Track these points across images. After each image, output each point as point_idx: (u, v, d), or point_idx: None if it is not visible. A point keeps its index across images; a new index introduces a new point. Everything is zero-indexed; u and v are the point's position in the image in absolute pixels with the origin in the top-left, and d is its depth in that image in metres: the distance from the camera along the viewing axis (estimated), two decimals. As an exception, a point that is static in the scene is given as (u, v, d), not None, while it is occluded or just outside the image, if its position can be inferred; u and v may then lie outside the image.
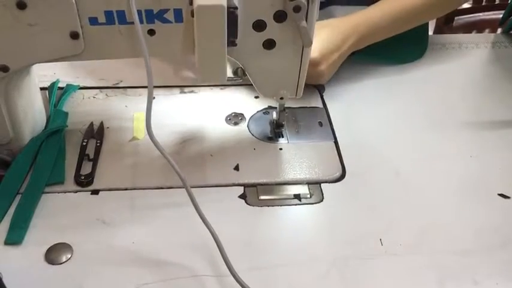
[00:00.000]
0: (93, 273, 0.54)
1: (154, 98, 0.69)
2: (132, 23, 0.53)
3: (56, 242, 0.56)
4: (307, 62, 0.61)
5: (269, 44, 0.59)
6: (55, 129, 0.67)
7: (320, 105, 0.77)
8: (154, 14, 0.55)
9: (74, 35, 0.55)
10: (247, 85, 0.77)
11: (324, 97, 0.79)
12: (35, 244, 0.56)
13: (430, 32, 1.07)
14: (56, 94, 0.74)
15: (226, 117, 0.74)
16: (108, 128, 0.71)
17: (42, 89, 0.72)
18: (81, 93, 0.77)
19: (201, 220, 0.54)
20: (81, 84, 0.78)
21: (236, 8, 0.54)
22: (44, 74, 0.76)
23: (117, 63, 0.80)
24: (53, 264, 0.54)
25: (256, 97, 0.78)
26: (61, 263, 0.54)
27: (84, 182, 0.62)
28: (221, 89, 0.79)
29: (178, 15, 0.55)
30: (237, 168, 0.66)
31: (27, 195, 0.60)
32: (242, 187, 0.64)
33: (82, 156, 0.65)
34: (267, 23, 0.57)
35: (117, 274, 0.54)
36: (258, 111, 0.75)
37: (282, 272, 0.55)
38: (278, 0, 0.55)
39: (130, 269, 0.54)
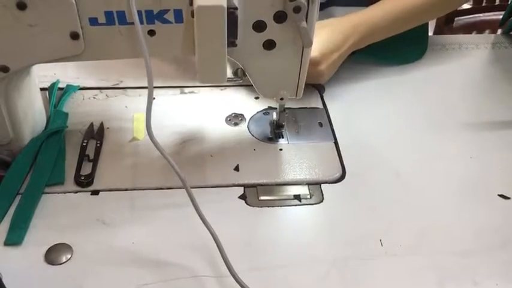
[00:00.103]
0: (93, 274, 0.54)
1: (154, 98, 0.69)
2: (132, 23, 0.53)
3: (55, 243, 0.56)
4: (307, 62, 0.61)
5: (269, 45, 0.59)
6: (55, 129, 0.67)
7: (320, 105, 0.77)
8: (155, 15, 0.55)
9: (74, 36, 0.55)
10: (247, 86, 0.77)
11: (324, 98, 0.79)
12: (34, 244, 0.56)
13: (430, 33, 1.07)
14: (56, 94, 0.74)
15: (226, 117, 0.74)
16: (108, 128, 0.71)
17: (42, 89, 0.72)
18: (81, 94, 0.77)
19: (201, 221, 0.54)
20: (81, 85, 0.78)
21: (236, 8, 0.54)
22: (44, 74, 0.76)
23: (117, 64, 0.80)
24: (52, 264, 0.54)
25: (256, 98, 0.78)
26: (61, 264, 0.54)
27: (84, 182, 0.62)
28: (221, 89, 0.79)
29: (178, 15, 0.55)
30: (237, 168, 0.66)
31: (27, 196, 0.60)
32: (242, 188, 0.64)
33: (82, 156, 0.65)
34: (267, 23, 0.57)
35: (117, 274, 0.54)
36: (258, 112, 0.75)
37: (282, 272, 0.55)
38: (278, 0, 0.55)
39: (130, 270, 0.54)
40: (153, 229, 0.58)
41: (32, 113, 0.66)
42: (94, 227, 0.58)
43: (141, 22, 0.54)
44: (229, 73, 0.68)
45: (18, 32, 0.54)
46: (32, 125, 0.66)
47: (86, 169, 0.64)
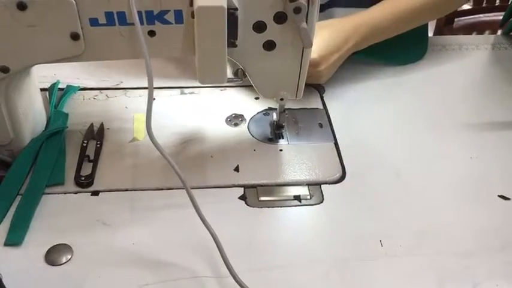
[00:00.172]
0: (93, 274, 0.54)
1: (154, 99, 0.69)
2: (133, 24, 0.53)
3: (56, 243, 0.56)
4: (307, 63, 0.61)
5: (269, 45, 0.59)
6: (55, 130, 0.67)
7: (320, 106, 0.77)
8: (155, 15, 0.55)
9: (75, 36, 0.55)
10: (248, 86, 0.77)
11: (324, 98, 0.79)
12: (35, 245, 0.56)
13: (430, 33, 1.07)
14: (56, 95, 0.74)
15: (227, 118, 0.74)
16: (108, 129, 0.71)
17: (42, 90, 0.72)
18: (81, 94, 0.77)
19: (201, 221, 0.54)
20: (82, 85, 0.78)
21: (236, 9, 0.54)
22: (44, 75, 0.76)
23: (118, 64, 0.80)
24: (53, 265, 0.54)
25: (257, 98, 0.78)
26: (61, 264, 0.54)
27: (84, 183, 0.62)
28: (221, 90, 0.79)
29: (178, 16, 0.55)
30: (237, 169, 0.66)
31: (28, 196, 0.60)
32: (242, 188, 0.64)
33: (82, 157, 0.66)
34: (267, 24, 0.57)
35: (117, 275, 0.54)
36: (258, 113, 0.75)
37: (282, 273, 0.55)
38: (278, 1, 0.55)
39: (130, 270, 0.54)
40: (153, 230, 0.58)
41: (32, 113, 0.66)
42: (94, 228, 0.58)
43: (142, 23, 0.54)
44: (229, 74, 0.67)
45: (18, 33, 0.54)
46: (32, 125, 0.66)
47: (86, 170, 0.64)
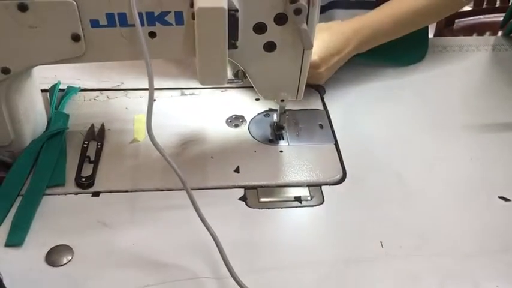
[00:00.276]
0: (93, 275, 0.54)
1: (155, 100, 0.69)
2: (133, 25, 0.53)
3: (56, 244, 0.56)
4: (307, 64, 0.61)
5: (270, 47, 0.59)
6: (56, 131, 0.67)
7: (320, 107, 0.77)
8: (155, 17, 0.55)
9: (75, 37, 0.55)
10: (248, 87, 0.77)
11: (325, 99, 0.79)
12: (35, 246, 0.56)
13: (431, 35, 1.07)
14: (57, 96, 0.74)
15: (227, 119, 0.74)
16: (109, 130, 0.71)
17: (43, 91, 0.72)
18: (82, 95, 0.77)
19: (201, 222, 0.54)
20: (82, 86, 0.78)
21: (237, 10, 0.54)
22: (45, 76, 0.76)
23: (118, 65, 0.81)
24: (53, 266, 0.54)
25: (257, 99, 0.78)
26: (61, 265, 0.54)
27: (84, 184, 0.63)
28: (222, 91, 0.79)
29: (179, 17, 0.55)
30: (237, 170, 0.66)
31: (28, 197, 0.60)
32: (243, 189, 0.64)
33: (83, 158, 0.66)
34: (267, 25, 0.57)
35: (118, 276, 0.54)
36: (258, 114, 0.75)
37: (282, 274, 0.55)
38: (279, 2, 0.55)
39: (130, 271, 0.54)
40: (153, 230, 0.58)
41: (33, 114, 0.66)
42: (95, 229, 0.58)
43: (142, 24, 0.54)
44: (229, 75, 0.67)
45: (19, 34, 0.54)
46: (32, 126, 0.66)
47: (87, 170, 0.64)
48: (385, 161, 0.69)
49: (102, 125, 0.71)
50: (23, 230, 0.57)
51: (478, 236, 0.60)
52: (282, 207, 0.62)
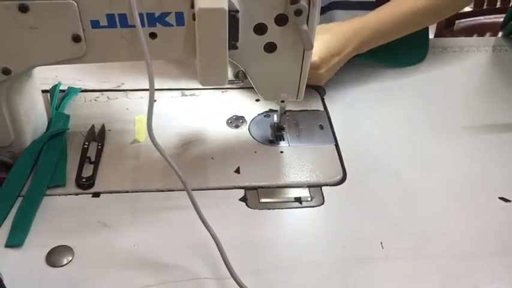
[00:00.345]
0: (94, 276, 0.54)
1: (155, 100, 0.70)
2: (134, 26, 0.53)
3: (56, 245, 0.56)
4: (308, 65, 0.62)
5: (270, 47, 0.59)
6: (56, 131, 0.67)
7: (321, 108, 0.78)
8: (156, 17, 0.55)
9: (76, 38, 0.55)
10: (248, 88, 0.77)
11: (325, 100, 0.79)
12: (36, 246, 0.56)
13: (431, 36, 1.07)
14: (57, 97, 0.74)
15: (227, 120, 0.74)
16: (109, 130, 0.71)
17: (44, 91, 0.72)
18: (82, 96, 0.77)
19: (201, 223, 0.54)
20: (83, 87, 0.78)
21: (237, 11, 0.54)
22: (45, 76, 0.76)
23: (119, 66, 0.81)
24: (53, 266, 0.54)
25: (257, 100, 0.78)
26: (62, 266, 0.54)
27: (85, 184, 0.63)
28: (222, 92, 0.79)
29: (179, 18, 0.55)
30: (238, 171, 0.66)
31: (29, 198, 0.60)
32: (243, 190, 0.64)
33: (83, 158, 0.66)
34: (268, 26, 0.57)
35: (118, 276, 0.54)
36: (259, 114, 0.75)
37: (283, 274, 0.55)
38: (279, 3, 0.55)
39: (131, 272, 0.54)
40: (154, 231, 0.58)
41: (34, 115, 0.66)
42: (95, 229, 0.58)
43: (143, 25, 0.54)
44: (230, 75, 0.67)
45: (20, 35, 0.54)
46: (33, 127, 0.66)
47: (87, 171, 0.64)
48: (386, 161, 0.69)
49: (103, 126, 0.71)
50: (23, 231, 0.57)
51: (478, 237, 0.60)
52: (282, 208, 0.62)
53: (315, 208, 0.62)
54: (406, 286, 0.55)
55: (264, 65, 0.61)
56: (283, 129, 0.72)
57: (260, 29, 0.57)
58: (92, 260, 0.55)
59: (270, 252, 0.57)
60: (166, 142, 0.69)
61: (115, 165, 0.66)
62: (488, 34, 1.67)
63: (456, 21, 1.68)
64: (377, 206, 0.63)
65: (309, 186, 0.65)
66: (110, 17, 0.54)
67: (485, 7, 1.71)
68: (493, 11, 1.71)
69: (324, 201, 0.63)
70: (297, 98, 0.65)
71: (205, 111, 0.75)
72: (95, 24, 0.55)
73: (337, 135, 0.72)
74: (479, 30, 1.69)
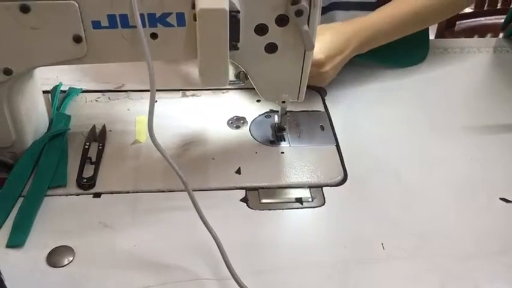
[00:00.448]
0: (94, 276, 0.54)
1: (156, 101, 0.69)
2: (135, 26, 0.53)
3: (57, 245, 0.56)
4: (309, 65, 0.62)
5: (271, 48, 0.59)
6: (57, 132, 0.67)
7: (322, 109, 0.78)
8: (157, 18, 0.55)
9: (77, 39, 0.55)
10: (249, 89, 0.77)
11: (326, 101, 0.79)
12: (36, 247, 0.56)
13: (432, 36, 1.07)
14: (58, 97, 0.75)
15: (228, 120, 0.74)
16: (110, 131, 0.71)
17: (45, 92, 0.72)
18: (83, 97, 0.77)
19: (202, 223, 0.54)
20: (84, 88, 0.78)
21: (238, 11, 0.54)
22: (46, 77, 0.77)
23: (120, 67, 0.81)
24: (54, 267, 0.54)
25: (258, 101, 0.78)
26: (63, 266, 0.54)
27: (86, 185, 0.63)
28: (223, 92, 0.80)
29: (180, 19, 0.55)
30: (238, 171, 0.66)
31: (30, 198, 0.60)
32: (244, 190, 0.64)
33: (84, 159, 0.66)
34: (269, 26, 0.57)
35: (119, 277, 0.54)
36: (259, 115, 0.75)
37: (284, 275, 0.55)
38: (280, 4, 0.55)
39: (132, 272, 0.54)
40: (154, 232, 0.58)
41: (35, 115, 0.66)
42: (96, 230, 0.58)
43: (144, 25, 0.55)
44: (231, 76, 0.68)
45: (21, 35, 0.54)
46: (34, 127, 0.66)
47: (88, 172, 0.64)
48: (386, 162, 0.69)
49: (104, 126, 0.71)
50: (24, 231, 0.57)
51: (479, 237, 0.60)
52: (283, 209, 0.62)
53: (315, 209, 0.62)
54: (406, 286, 0.55)
55: (265, 66, 0.61)
56: (284, 129, 0.72)
57: (261, 29, 0.57)
58: (92, 260, 0.55)
59: (271, 253, 0.57)
60: (167, 143, 0.69)
61: (116, 166, 0.66)
62: (489, 35, 1.67)
63: (457, 22, 1.68)
64: (377, 207, 0.63)
65: (310, 186, 0.65)
66: (111, 18, 0.54)
67: (486, 8, 1.71)
68: (494, 12, 1.71)
69: (324, 202, 0.63)
70: (297, 99, 0.65)
71: (206, 112, 0.75)
72: (96, 24, 0.55)
73: (338, 136, 0.72)
74: (480, 31, 1.69)
